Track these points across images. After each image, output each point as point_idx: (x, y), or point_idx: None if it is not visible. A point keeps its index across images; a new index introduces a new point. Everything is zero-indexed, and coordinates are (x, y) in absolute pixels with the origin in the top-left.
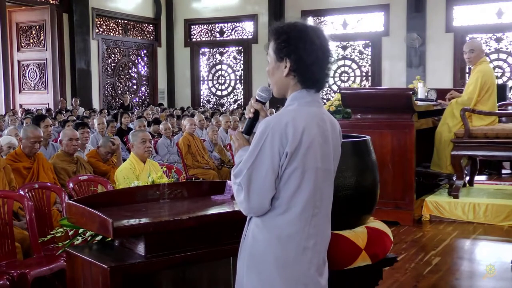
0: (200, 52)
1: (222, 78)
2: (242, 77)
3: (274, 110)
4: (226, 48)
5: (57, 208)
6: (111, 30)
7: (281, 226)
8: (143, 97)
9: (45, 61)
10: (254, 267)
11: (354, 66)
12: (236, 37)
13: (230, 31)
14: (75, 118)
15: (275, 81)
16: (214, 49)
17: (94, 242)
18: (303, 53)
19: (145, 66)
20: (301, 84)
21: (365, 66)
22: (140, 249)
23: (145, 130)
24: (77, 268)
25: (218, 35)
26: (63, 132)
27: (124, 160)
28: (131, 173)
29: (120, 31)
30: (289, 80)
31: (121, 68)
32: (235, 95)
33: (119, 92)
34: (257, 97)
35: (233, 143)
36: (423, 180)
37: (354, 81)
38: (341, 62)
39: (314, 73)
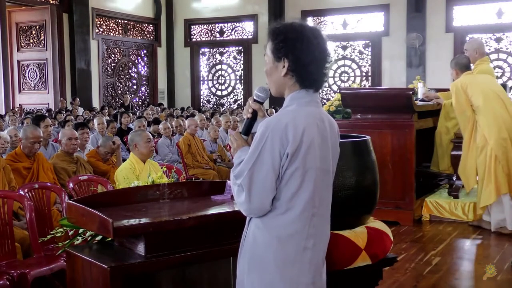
0: (200, 52)
1: (222, 78)
2: (242, 77)
3: (274, 111)
4: (226, 48)
5: (57, 208)
6: (111, 30)
7: (281, 226)
8: (143, 97)
9: (45, 61)
10: (254, 268)
11: (354, 66)
12: (236, 37)
13: (230, 31)
14: (73, 118)
15: (273, 81)
16: (214, 49)
17: (94, 242)
18: (300, 53)
19: (145, 66)
20: (299, 84)
21: (365, 66)
22: (140, 249)
23: (145, 130)
24: (77, 268)
25: (218, 35)
26: (62, 131)
27: (124, 160)
28: (131, 173)
29: (120, 31)
30: (287, 80)
31: (121, 68)
32: (235, 95)
33: (119, 92)
34: (255, 97)
35: (232, 144)
36: (423, 180)
37: (354, 81)
38: (341, 62)
39: (312, 73)
